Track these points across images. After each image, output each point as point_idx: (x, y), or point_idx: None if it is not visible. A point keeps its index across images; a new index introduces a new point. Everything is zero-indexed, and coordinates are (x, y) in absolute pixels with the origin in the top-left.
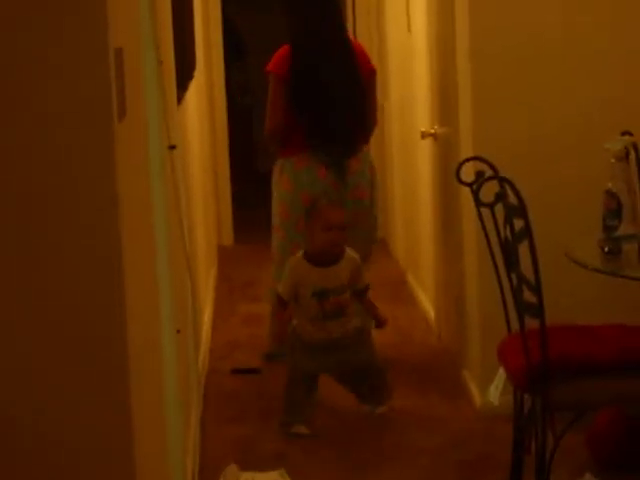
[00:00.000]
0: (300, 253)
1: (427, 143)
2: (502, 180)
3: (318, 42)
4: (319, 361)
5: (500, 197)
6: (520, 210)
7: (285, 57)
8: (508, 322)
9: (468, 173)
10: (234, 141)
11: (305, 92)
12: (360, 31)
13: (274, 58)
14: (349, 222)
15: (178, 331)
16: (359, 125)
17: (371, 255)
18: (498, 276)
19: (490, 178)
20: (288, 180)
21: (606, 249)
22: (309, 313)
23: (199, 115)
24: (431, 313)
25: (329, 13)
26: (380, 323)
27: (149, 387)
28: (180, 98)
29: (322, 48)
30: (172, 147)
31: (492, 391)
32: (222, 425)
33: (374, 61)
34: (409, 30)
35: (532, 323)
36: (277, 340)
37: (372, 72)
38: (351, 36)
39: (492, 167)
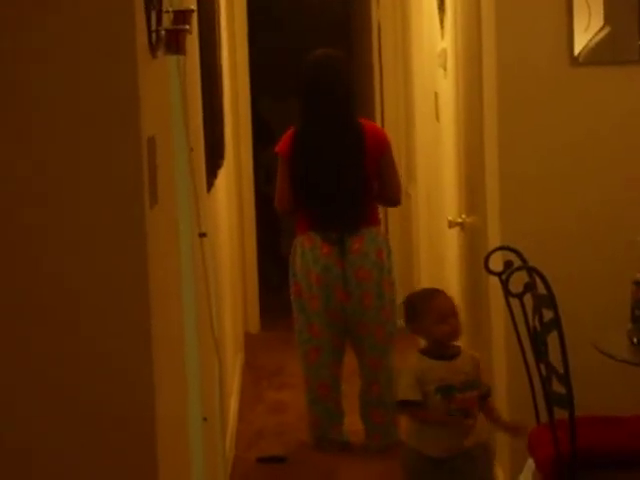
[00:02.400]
0: (417, 351)
1: (454, 232)
2: (531, 270)
3: (318, 127)
4: None
5: (529, 287)
6: (549, 300)
7: (289, 139)
8: (537, 412)
9: (496, 263)
10: (260, 227)
11: (302, 173)
12: (388, 119)
13: (281, 140)
14: (354, 303)
15: (205, 419)
16: (355, 207)
17: (393, 344)
18: (527, 366)
19: (519, 268)
20: (299, 259)
21: (635, 340)
22: (433, 414)
23: (228, 202)
24: None
25: (332, 100)
26: (515, 431)
27: (177, 475)
28: (210, 185)
29: (321, 133)
30: (202, 235)
31: None
32: None
33: (401, 150)
34: (437, 119)
35: (561, 414)
36: None
37: (382, 150)
38: (363, 119)
39: (521, 257)
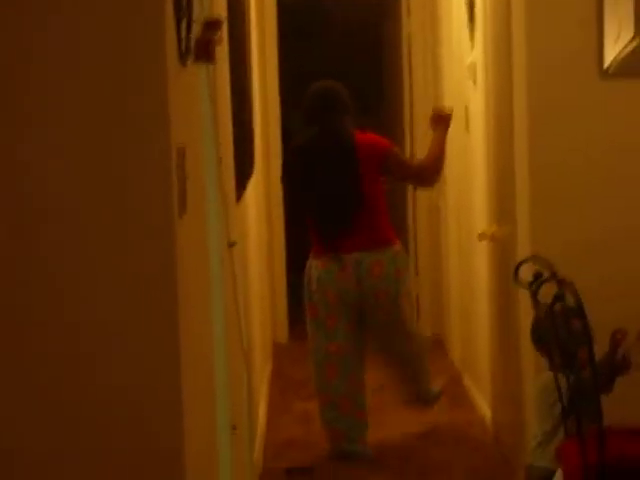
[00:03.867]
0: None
1: (484, 244)
2: (561, 281)
3: (310, 145)
4: None
5: (558, 298)
6: (578, 311)
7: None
8: (566, 423)
9: (526, 274)
10: (289, 237)
11: (296, 188)
12: (418, 131)
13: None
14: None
15: (234, 428)
16: (360, 225)
17: (425, 352)
18: (556, 378)
19: (548, 279)
20: (314, 281)
21: None
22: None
23: (257, 213)
24: (488, 415)
25: (328, 119)
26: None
27: None
28: (239, 196)
29: (313, 150)
30: (231, 244)
31: None
32: None
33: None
34: (467, 131)
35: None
36: None
37: (381, 155)
38: (359, 131)
39: (550, 268)
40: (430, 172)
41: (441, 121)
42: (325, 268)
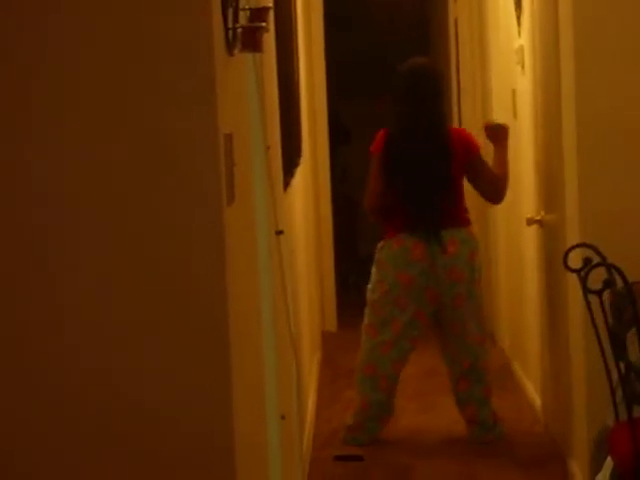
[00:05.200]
0: None
1: (533, 230)
2: (610, 267)
3: (410, 132)
4: None
5: (608, 284)
6: (628, 298)
7: (381, 138)
8: (616, 411)
9: (575, 260)
10: (337, 226)
11: (393, 173)
12: (465, 117)
13: (375, 140)
14: (446, 304)
15: (283, 417)
16: (444, 207)
17: (484, 344)
18: (606, 364)
19: (598, 264)
20: (387, 261)
21: None
22: None
23: (304, 201)
24: (537, 402)
25: (426, 107)
26: None
27: (254, 473)
28: (287, 184)
29: (413, 137)
30: (279, 232)
31: None
32: None
33: (480, 146)
34: (515, 116)
35: None
36: None
37: (470, 155)
38: (454, 125)
39: (599, 254)
40: (503, 185)
41: (498, 135)
42: (401, 247)
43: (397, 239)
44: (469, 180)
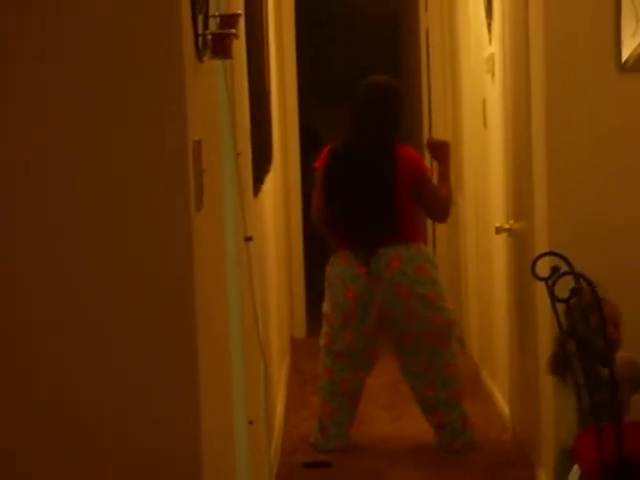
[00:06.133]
0: None
1: (502, 238)
2: (578, 276)
3: (354, 148)
4: None
5: (575, 293)
6: (596, 305)
7: (326, 154)
8: (584, 418)
9: (543, 268)
10: (307, 233)
11: (333, 190)
12: (436, 124)
13: (320, 155)
14: (397, 319)
15: (251, 422)
16: (386, 225)
17: (444, 346)
18: (573, 371)
19: (565, 273)
20: (335, 277)
21: None
22: None
23: (275, 208)
24: (506, 410)
25: (376, 125)
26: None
27: (222, 478)
28: (257, 190)
29: (355, 153)
30: (248, 239)
31: None
32: None
33: (450, 155)
34: (485, 125)
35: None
36: None
37: (416, 177)
38: (402, 146)
39: (567, 262)
40: (447, 206)
41: (440, 153)
42: (347, 263)
43: (343, 255)
44: (415, 200)
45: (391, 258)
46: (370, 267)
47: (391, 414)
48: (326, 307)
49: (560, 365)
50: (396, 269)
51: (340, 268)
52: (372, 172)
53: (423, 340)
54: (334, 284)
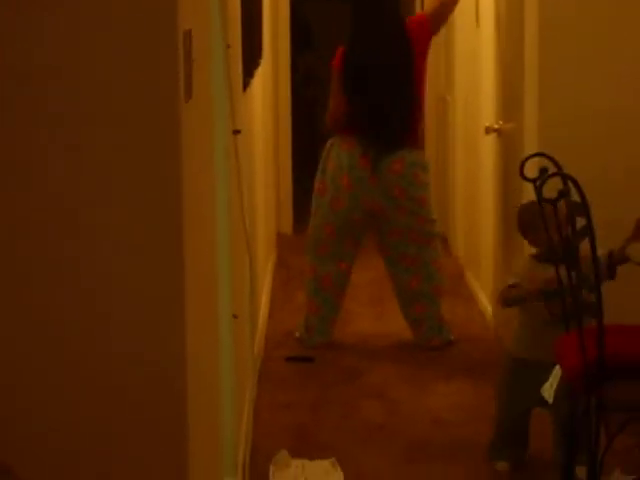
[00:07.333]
0: (528, 255)
1: (491, 138)
2: (565, 177)
3: (369, 38)
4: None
5: (563, 194)
6: (582, 207)
7: (342, 51)
8: (567, 320)
9: (531, 169)
10: (297, 131)
11: (354, 82)
12: None
13: (335, 55)
14: (386, 215)
15: (235, 316)
16: (401, 124)
17: (430, 244)
18: (558, 274)
19: (553, 174)
20: (333, 159)
21: None
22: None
23: (263, 103)
24: (489, 310)
25: (382, 10)
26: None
27: (205, 371)
28: (246, 84)
29: (369, 49)
30: (237, 132)
31: (547, 388)
32: (275, 412)
33: (440, 55)
34: (477, 24)
35: (591, 322)
36: None
37: (425, 25)
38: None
39: (556, 164)
40: None
41: None
42: (350, 150)
43: (346, 140)
44: (437, 21)
45: (394, 161)
46: (373, 164)
47: (374, 311)
48: (316, 192)
49: None
50: (396, 172)
51: (341, 151)
52: (390, 66)
53: (409, 236)
54: (328, 166)
